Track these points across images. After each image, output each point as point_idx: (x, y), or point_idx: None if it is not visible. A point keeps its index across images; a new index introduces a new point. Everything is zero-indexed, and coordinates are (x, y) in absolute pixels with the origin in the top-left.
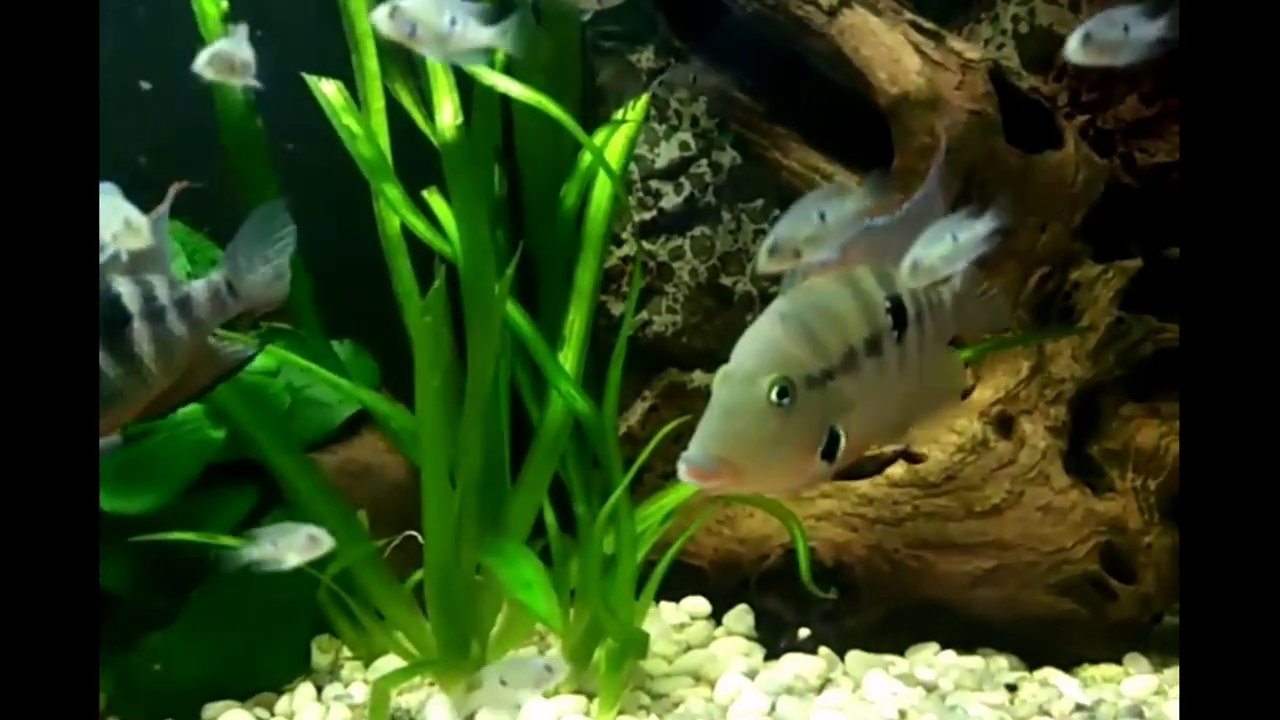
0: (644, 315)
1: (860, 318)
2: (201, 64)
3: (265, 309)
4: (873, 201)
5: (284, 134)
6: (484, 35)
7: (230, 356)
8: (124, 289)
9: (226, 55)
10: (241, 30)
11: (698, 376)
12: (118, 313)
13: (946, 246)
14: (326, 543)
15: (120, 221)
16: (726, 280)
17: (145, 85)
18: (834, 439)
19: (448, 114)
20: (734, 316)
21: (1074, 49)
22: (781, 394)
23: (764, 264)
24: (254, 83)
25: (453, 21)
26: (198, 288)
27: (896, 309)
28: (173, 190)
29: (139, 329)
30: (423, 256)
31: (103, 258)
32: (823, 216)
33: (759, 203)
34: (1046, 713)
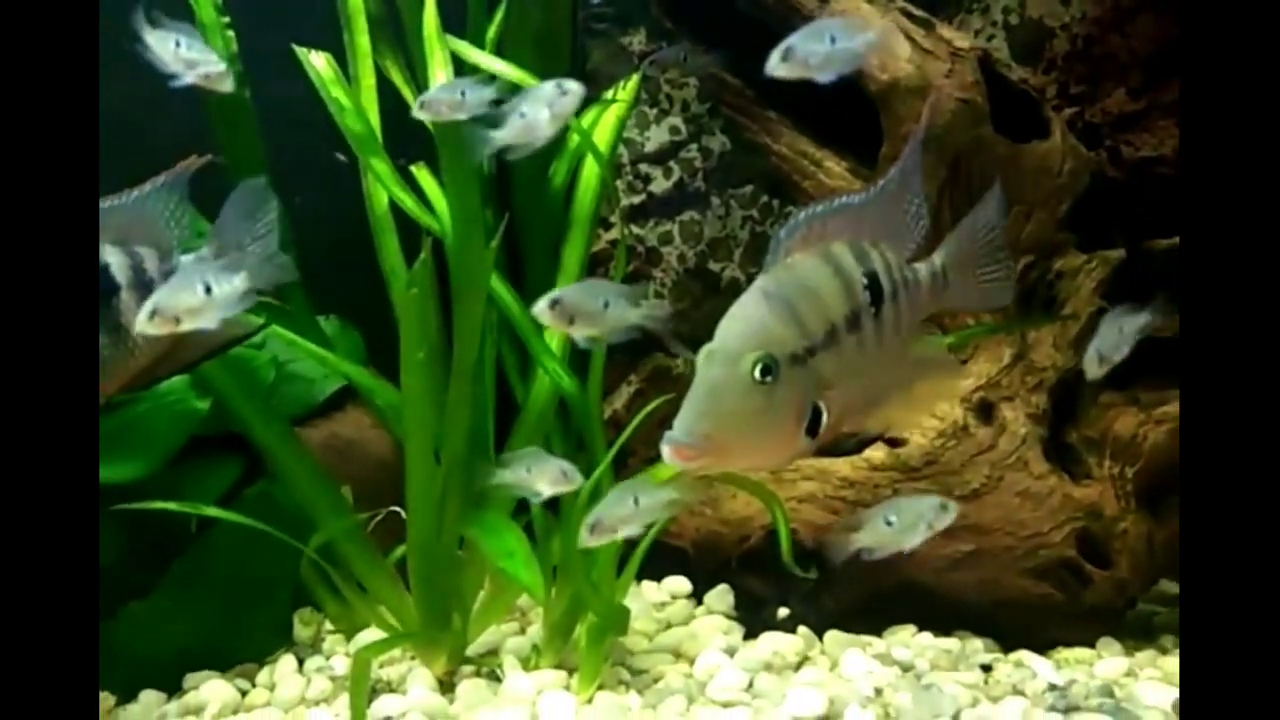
0: None
1: (840, 295)
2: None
3: (261, 286)
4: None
5: (273, 111)
6: None
7: (220, 332)
8: (113, 259)
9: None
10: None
11: (683, 361)
12: (106, 282)
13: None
14: (576, 478)
15: (190, 289)
16: (714, 266)
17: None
18: (816, 415)
19: None
20: (721, 302)
21: (774, 64)
22: (765, 371)
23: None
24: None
25: None
26: (186, 262)
27: (873, 285)
28: (182, 166)
29: (126, 300)
30: (409, 236)
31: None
32: (606, 305)
33: (748, 188)
34: (1020, 692)
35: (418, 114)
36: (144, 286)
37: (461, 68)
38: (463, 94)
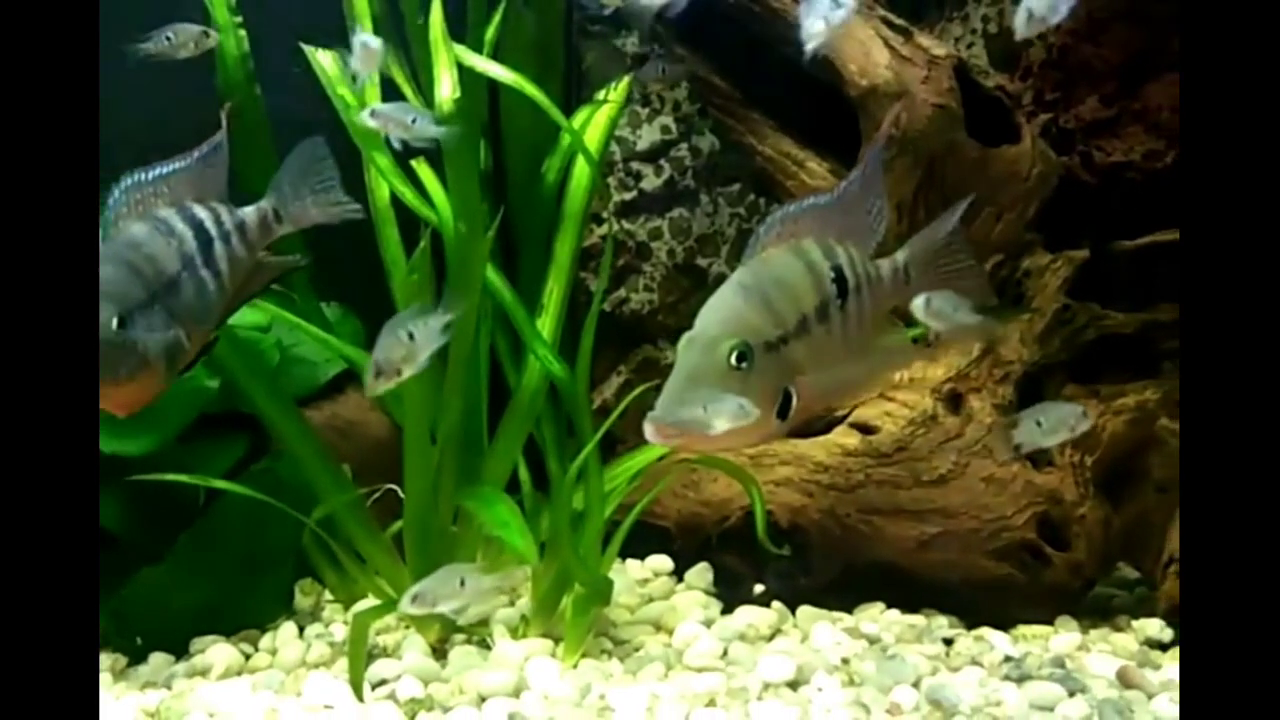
0: (621, 293)
1: (811, 287)
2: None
3: (332, 221)
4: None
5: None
6: None
7: (271, 269)
8: (203, 215)
9: None
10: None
11: (671, 353)
12: (204, 235)
13: None
14: (753, 413)
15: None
16: (702, 261)
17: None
18: (787, 399)
19: (447, 87)
20: (708, 296)
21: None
22: (740, 358)
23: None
24: None
25: None
26: (250, 214)
27: (840, 279)
28: (225, 118)
29: (219, 249)
30: (408, 230)
31: None
32: (411, 336)
33: (735, 187)
34: (978, 663)
35: (366, 119)
36: (224, 239)
37: (461, 70)
38: (413, 120)
